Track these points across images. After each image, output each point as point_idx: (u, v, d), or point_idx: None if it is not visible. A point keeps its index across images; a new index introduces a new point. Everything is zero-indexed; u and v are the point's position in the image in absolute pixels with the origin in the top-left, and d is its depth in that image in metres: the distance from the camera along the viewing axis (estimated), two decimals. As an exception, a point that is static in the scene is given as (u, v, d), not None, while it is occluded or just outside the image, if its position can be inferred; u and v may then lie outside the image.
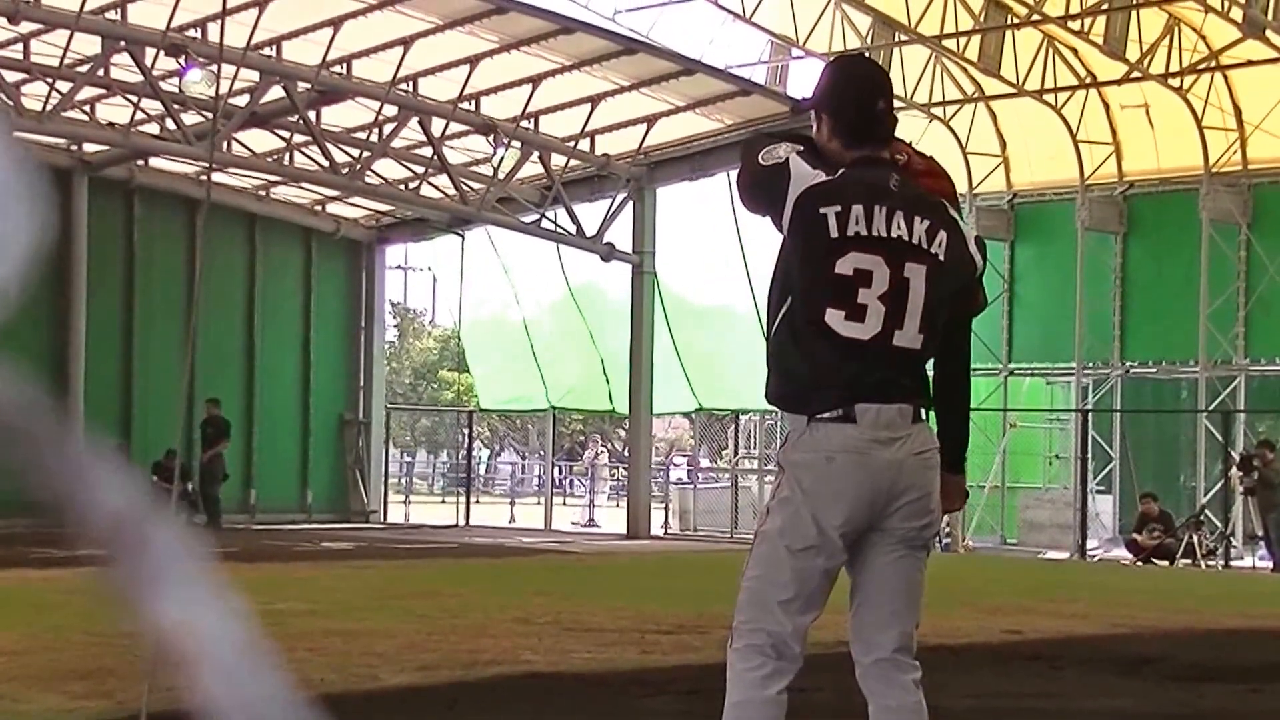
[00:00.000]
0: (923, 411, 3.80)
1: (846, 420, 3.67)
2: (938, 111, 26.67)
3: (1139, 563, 20.65)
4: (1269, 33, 21.48)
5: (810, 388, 3.76)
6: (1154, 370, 25.71)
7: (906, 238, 3.71)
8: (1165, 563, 20.37)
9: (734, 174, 25.46)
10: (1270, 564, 20.41)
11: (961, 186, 26.98)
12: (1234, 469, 21.46)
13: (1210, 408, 24.04)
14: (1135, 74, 23.71)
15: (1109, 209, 25.57)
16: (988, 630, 10.08)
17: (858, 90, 3.92)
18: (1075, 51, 24.59)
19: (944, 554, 21.88)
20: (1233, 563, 21.09)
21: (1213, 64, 23.41)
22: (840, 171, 3.76)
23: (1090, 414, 24.85)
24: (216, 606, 0.69)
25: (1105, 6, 22.68)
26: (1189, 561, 20.43)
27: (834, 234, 3.67)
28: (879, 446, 3.67)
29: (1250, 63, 22.85)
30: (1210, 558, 20.83)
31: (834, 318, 3.66)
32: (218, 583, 0.68)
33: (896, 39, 24.69)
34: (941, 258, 3.74)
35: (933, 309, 3.73)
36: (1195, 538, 20.71)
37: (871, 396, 3.69)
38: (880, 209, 3.69)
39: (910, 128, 27.35)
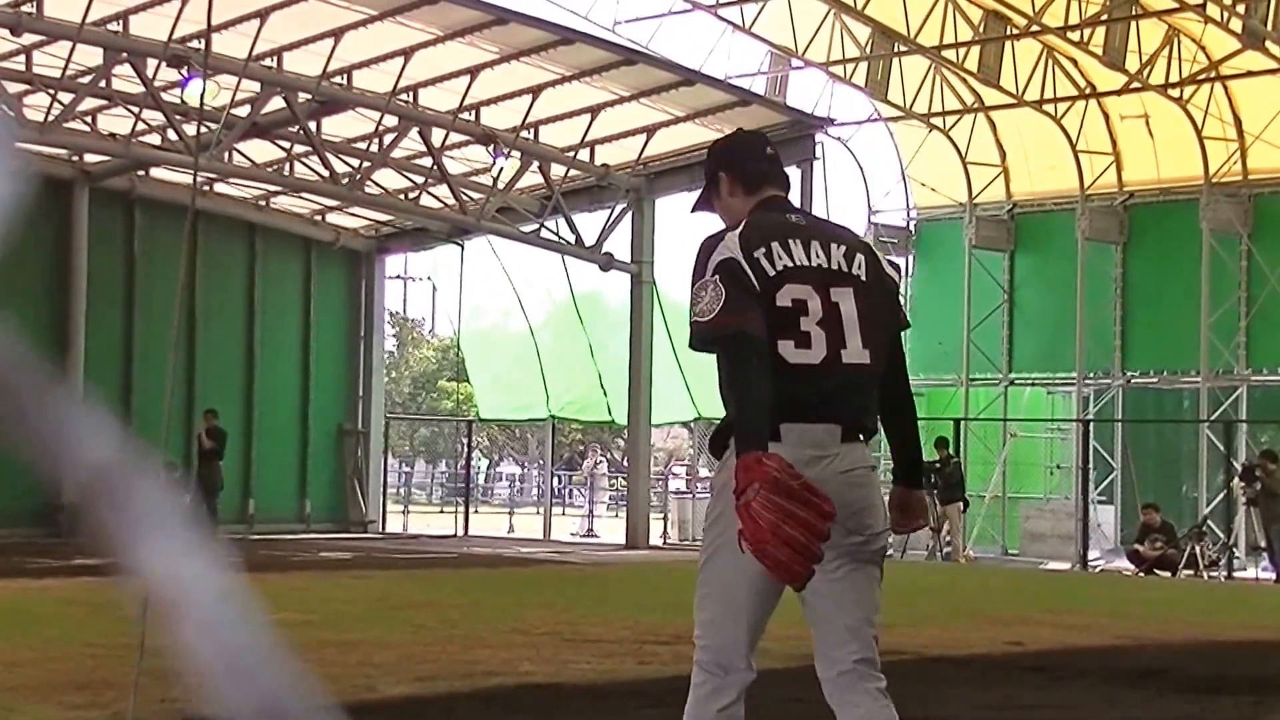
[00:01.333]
0: (858, 433, 3.93)
1: (773, 439, 3.72)
2: (937, 122, 26.69)
3: (1141, 574, 20.60)
4: (1268, 43, 21.48)
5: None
6: (1155, 380, 25.69)
7: (827, 265, 3.92)
8: (1167, 574, 20.32)
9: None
10: (1274, 575, 20.36)
11: (961, 196, 26.99)
12: (1236, 479, 21.42)
13: (1212, 418, 24.01)
14: (1135, 84, 23.72)
15: (1109, 219, 25.57)
16: (990, 641, 10.04)
17: (745, 145, 4.30)
18: (1075, 62, 24.60)
19: (945, 564, 21.85)
20: (1236, 574, 21.02)
21: (1212, 74, 23.41)
22: (747, 220, 3.98)
23: (1091, 424, 24.83)
24: (198, 557, 0.66)
25: (1105, 17, 22.69)
26: (1191, 572, 20.38)
27: (770, 272, 3.85)
28: (803, 465, 3.71)
29: (1250, 73, 22.88)
30: (1213, 569, 20.79)
31: (785, 348, 3.82)
32: (199, 535, 0.65)
33: (896, 49, 24.70)
34: (864, 278, 3.95)
35: (869, 325, 3.91)
36: (1198, 548, 20.66)
37: (801, 417, 3.81)
38: (795, 242, 3.92)
39: (910, 138, 27.38)
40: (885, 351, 3.96)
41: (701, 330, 3.81)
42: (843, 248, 3.97)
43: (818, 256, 3.92)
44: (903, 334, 4.23)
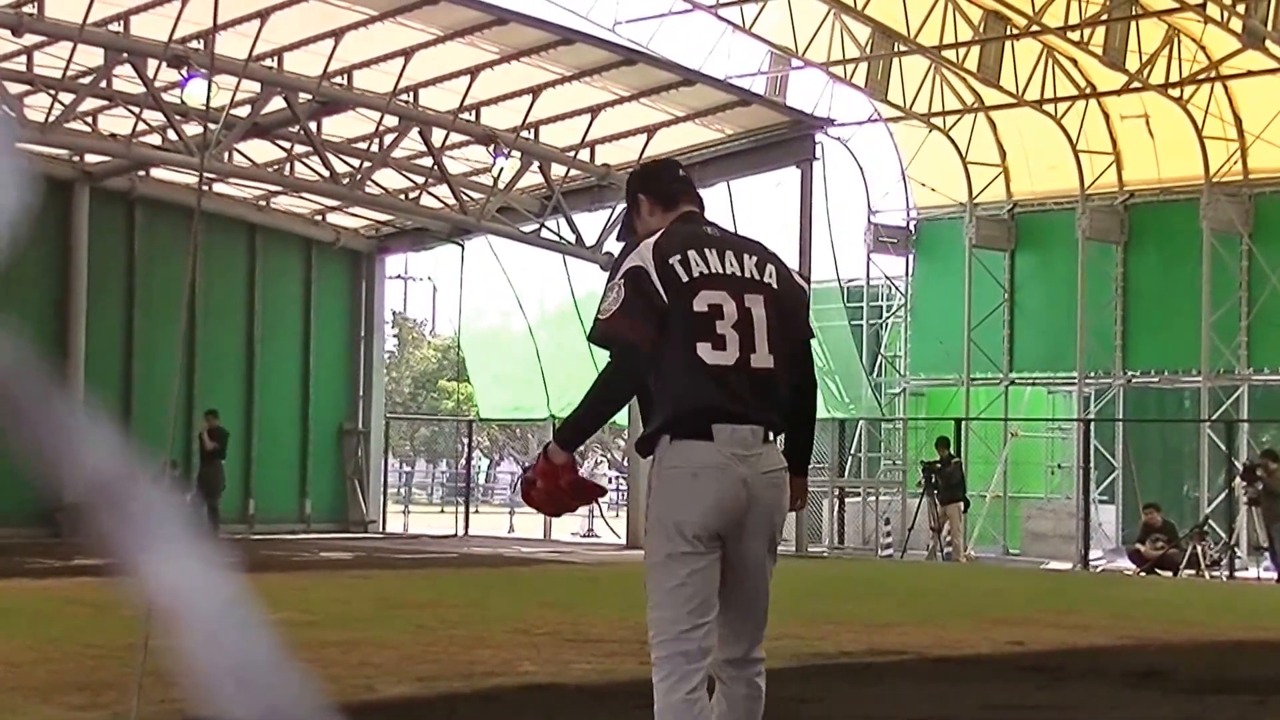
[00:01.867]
0: (771, 434, 4.21)
1: (705, 438, 4.06)
2: (937, 122, 26.68)
3: (1142, 573, 20.59)
4: (1268, 43, 21.47)
5: (678, 414, 4.11)
6: (1156, 380, 25.69)
7: (740, 273, 4.19)
8: (1169, 573, 20.30)
9: (734, 184, 25.24)
10: (1275, 575, 20.35)
11: (961, 196, 26.99)
12: (1237, 479, 21.40)
13: (1213, 417, 24.00)
14: (1135, 84, 23.71)
15: (1110, 219, 25.56)
16: (991, 641, 10.03)
17: (659, 168, 4.63)
18: (1075, 62, 24.59)
19: (946, 564, 21.84)
20: (1237, 574, 21.00)
21: (1213, 74, 23.40)
22: (665, 229, 4.25)
23: (1092, 423, 24.81)
24: (200, 565, 0.65)
25: (1105, 17, 22.68)
26: (1193, 572, 20.36)
27: (685, 278, 4.12)
28: (735, 462, 4.08)
29: (1250, 73, 22.87)
30: (1214, 568, 20.76)
31: (703, 349, 4.09)
32: (200, 542, 0.65)
33: (896, 49, 24.69)
34: (775, 286, 4.23)
35: (777, 332, 4.19)
36: (1199, 548, 20.63)
37: (727, 417, 4.09)
38: (710, 251, 4.19)
39: (910, 138, 27.38)
40: (788, 357, 4.23)
41: (597, 327, 4.14)
42: (754, 258, 4.25)
43: (731, 265, 4.18)
44: (809, 342, 4.52)
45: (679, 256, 4.13)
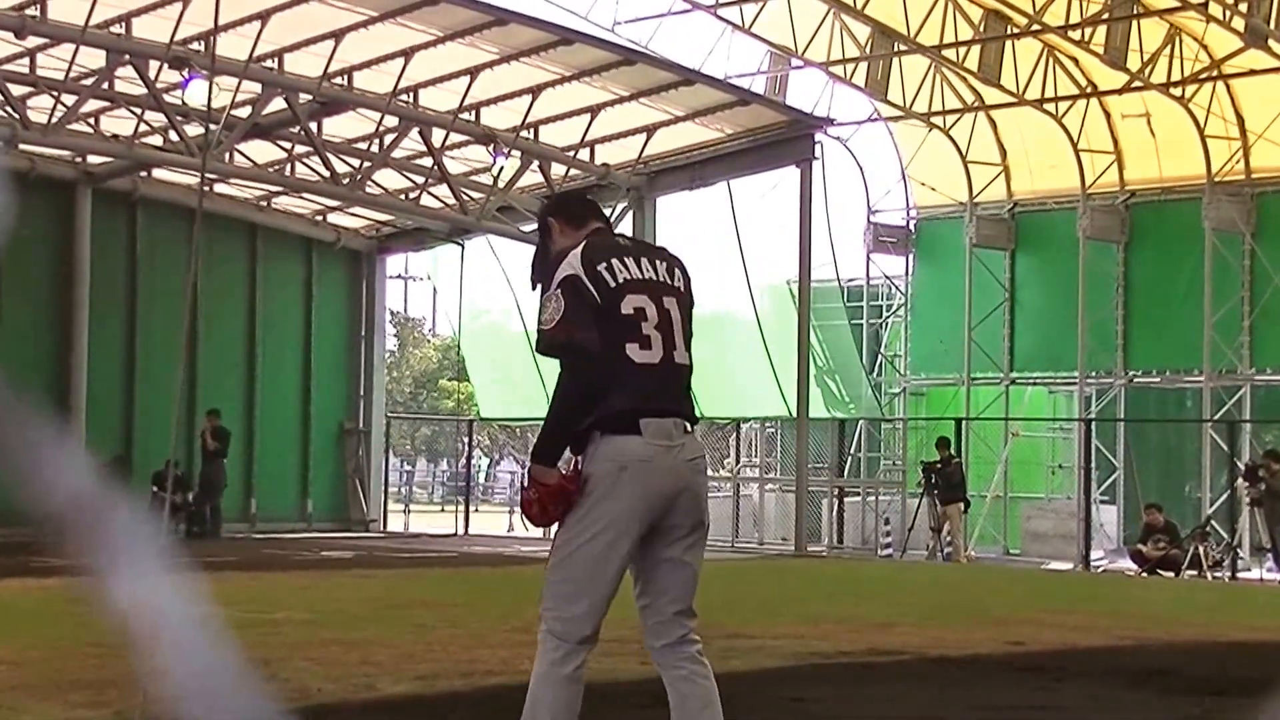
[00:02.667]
0: (691, 424, 4.50)
1: (634, 433, 4.32)
2: (937, 121, 26.70)
3: (1144, 574, 20.58)
4: (1271, 42, 21.48)
5: (608, 411, 4.35)
6: (1158, 380, 25.69)
7: (656, 277, 4.48)
8: (1171, 574, 20.28)
9: (733, 183, 25.23)
10: (1278, 576, 20.34)
11: (962, 195, 27.02)
12: (1240, 479, 21.39)
13: (1215, 418, 23.99)
14: (1136, 83, 23.71)
15: (1111, 218, 25.57)
16: (991, 642, 10.05)
17: (564, 197, 5.37)
18: (1076, 61, 24.60)
19: (946, 564, 21.86)
20: (1240, 574, 20.98)
21: (1215, 73, 23.40)
22: (586, 240, 4.52)
23: (1093, 423, 24.81)
24: (170, 583, 0.68)
25: (1106, 16, 22.68)
26: (1195, 573, 20.33)
27: (612, 283, 4.38)
28: (662, 452, 4.35)
29: (1252, 72, 22.87)
30: (1217, 569, 20.74)
31: (631, 349, 4.36)
32: (171, 562, 0.68)
33: (896, 49, 24.71)
34: (683, 289, 4.56)
35: (688, 331, 4.53)
36: (1201, 549, 20.60)
37: (654, 412, 4.36)
38: (628, 258, 4.47)
39: (910, 137, 27.40)
40: (692, 354, 4.56)
41: (544, 337, 4.38)
42: (664, 263, 4.55)
43: (648, 270, 4.48)
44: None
45: (605, 264, 4.40)
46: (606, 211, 23.51)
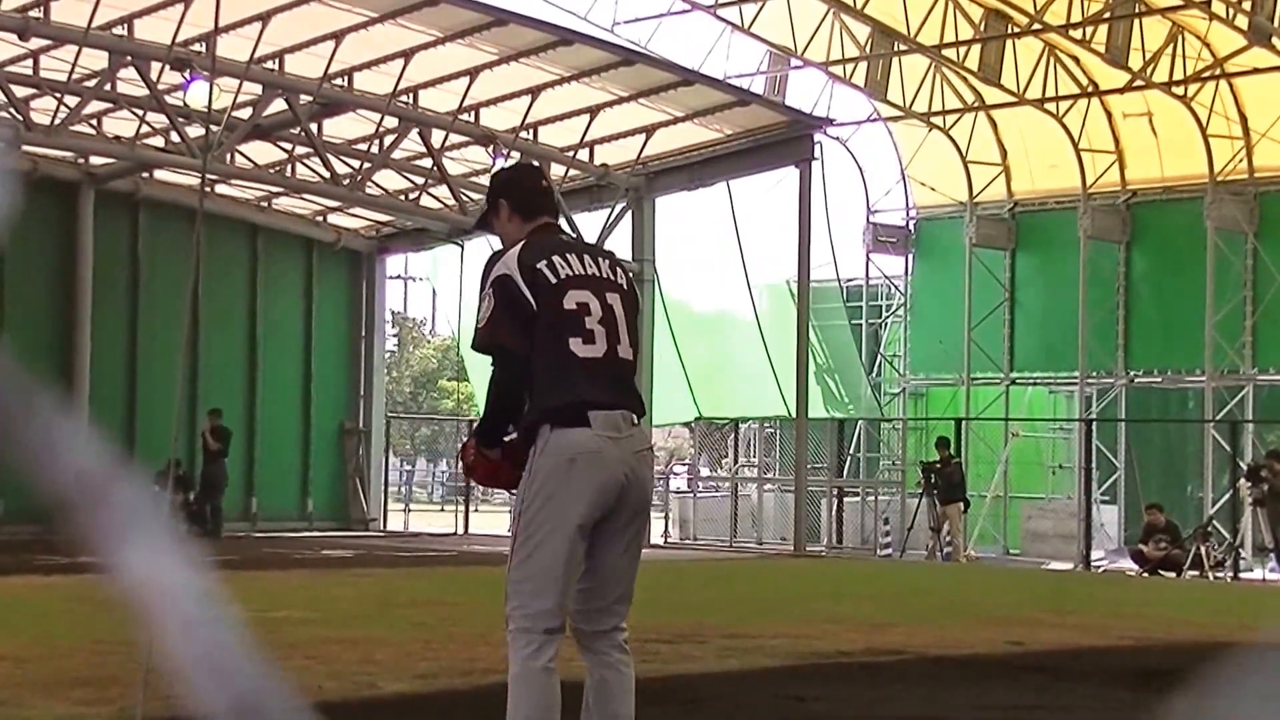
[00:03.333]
0: (639, 417, 4.58)
1: (582, 425, 4.41)
2: (937, 121, 26.71)
3: (1145, 574, 20.59)
4: (1274, 40, 21.49)
5: (555, 404, 4.44)
6: (1159, 380, 25.68)
7: (598, 274, 4.57)
8: (1172, 574, 20.29)
9: (733, 184, 25.23)
10: None
11: (962, 195, 27.03)
12: (1242, 479, 21.38)
13: (1217, 418, 23.98)
14: (1138, 83, 23.71)
15: (1112, 217, 25.57)
16: (990, 642, 10.07)
17: (524, 178, 4.99)
18: (1077, 60, 24.61)
19: (946, 564, 21.88)
20: (1242, 574, 20.97)
21: (1217, 72, 23.39)
22: (526, 240, 4.61)
23: (1094, 423, 24.81)
24: (175, 561, 0.72)
25: (1107, 15, 22.69)
26: (1197, 573, 20.33)
27: (553, 280, 4.47)
28: (610, 444, 4.44)
29: (1255, 70, 22.85)
30: (1219, 569, 20.73)
31: (575, 344, 4.45)
32: (175, 540, 0.72)
33: (896, 48, 24.72)
34: (625, 286, 4.63)
35: (631, 326, 4.60)
36: (1203, 549, 20.59)
37: (601, 405, 4.45)
38: (571, 255, 4.56)
39: (910, 137, 27.42)
40: (636, 349, 4.65)
41: (477, 336, 4.52)
42: (606, 261, 4.65)
43: (590, 267, 4.56)
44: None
45: (545, 261, 4.49)
46: (604, 213, 23.52)
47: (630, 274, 4.75)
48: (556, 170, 22.59)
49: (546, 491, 4.44)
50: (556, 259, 4.51)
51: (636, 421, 4.58)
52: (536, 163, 22.07)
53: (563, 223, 5.07)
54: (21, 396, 0.69)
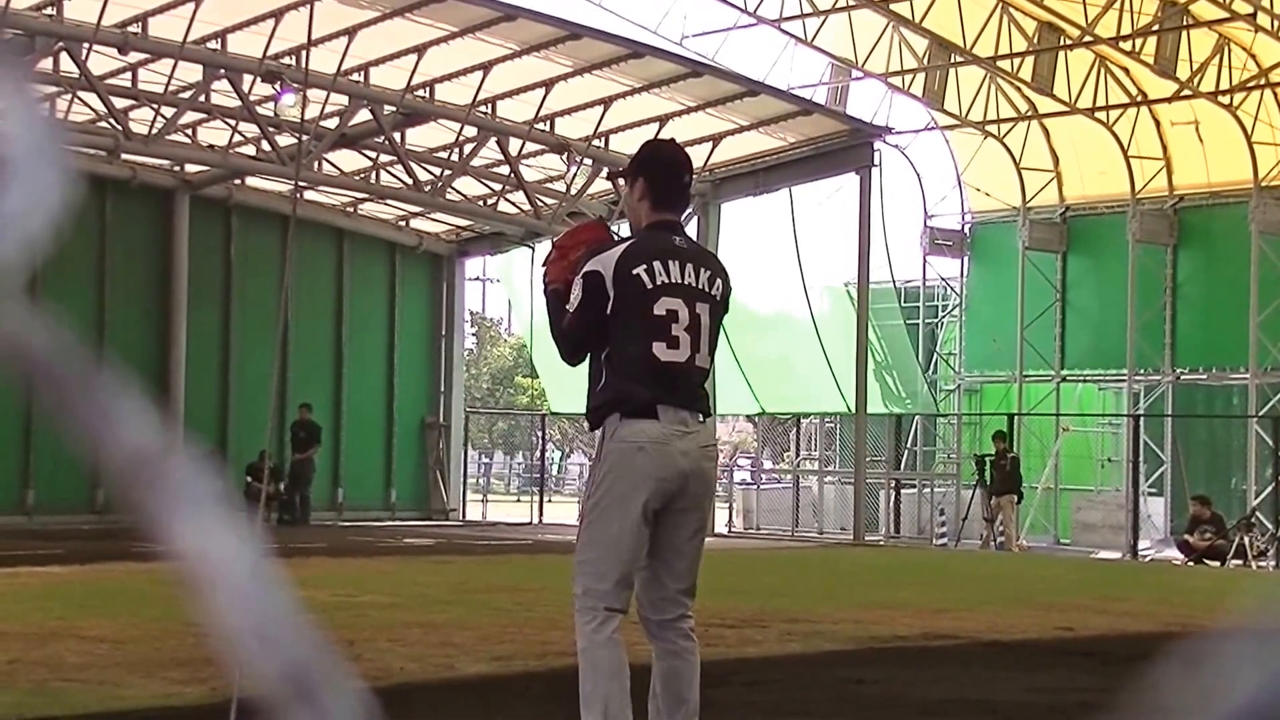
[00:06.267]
0: (702, 416, 4.58)
1: (651, 417, 4.44)
2: (992, 129, 26.49)
3: (1190, 563, 20.35)
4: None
5: (628, 396, 4.49)
6: (1204, 377, 25.37)
7: (695, 284, 4.57)
8: (1216, 563, 20.05)
9: (795, 190, 25.10)
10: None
11: (1015, 200, 26.78)
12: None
13: (1261, 413, 23.68)
14: (1186, 92, 23.42)
15: (1160, 221, 25.27)
16: (1041, 627, 9.98)
17: (670, 167, 4.77)
18: (1127, 71, 24.33)
19: (999, 553, 21.69)
20: (1283, 564, 20.70)
21: (1262, 81, 23.09)
22: (635, 237, 4.62)
23: (1142, 419, 24.54)
24: (229, 534, 0.70)
25: (1156, 27, 22.43)
26: (1240, 563, 20.09)
27: (649, 285, 4.49)
28: (676, 438, 4.45)
29: (1299, 79, 22.52)
30: (1261, 559, 20.48)
31: (659, 348, 4.48)
32: (231, 513, 0.69)
33: (952, 60, 24.54)
34: (718, 298, 4.65)
35: (714, 337, 4.66)
36: (1246, 539, 20.36)
37: (670, 402, 4.47)
38: (674, 263, 4.55)
39: (965, 145, 27.20)
40: (714, 357, 4.70)
41: (563, 319, 4.58)
42: (708, 272, 4.63)
43: (689, 276, 4.56)
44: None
45: (644, 266, 4.50)
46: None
47: (729, 284, 4.75)
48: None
49: (613, 477, 4.46)
50: (658, 264, 4.52)
51: (703, 420, 4.59)
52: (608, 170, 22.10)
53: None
54: (78, 370, 0.67)
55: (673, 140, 5.86)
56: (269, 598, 0.71)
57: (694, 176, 4.93)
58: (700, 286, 4.58)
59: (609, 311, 4.49)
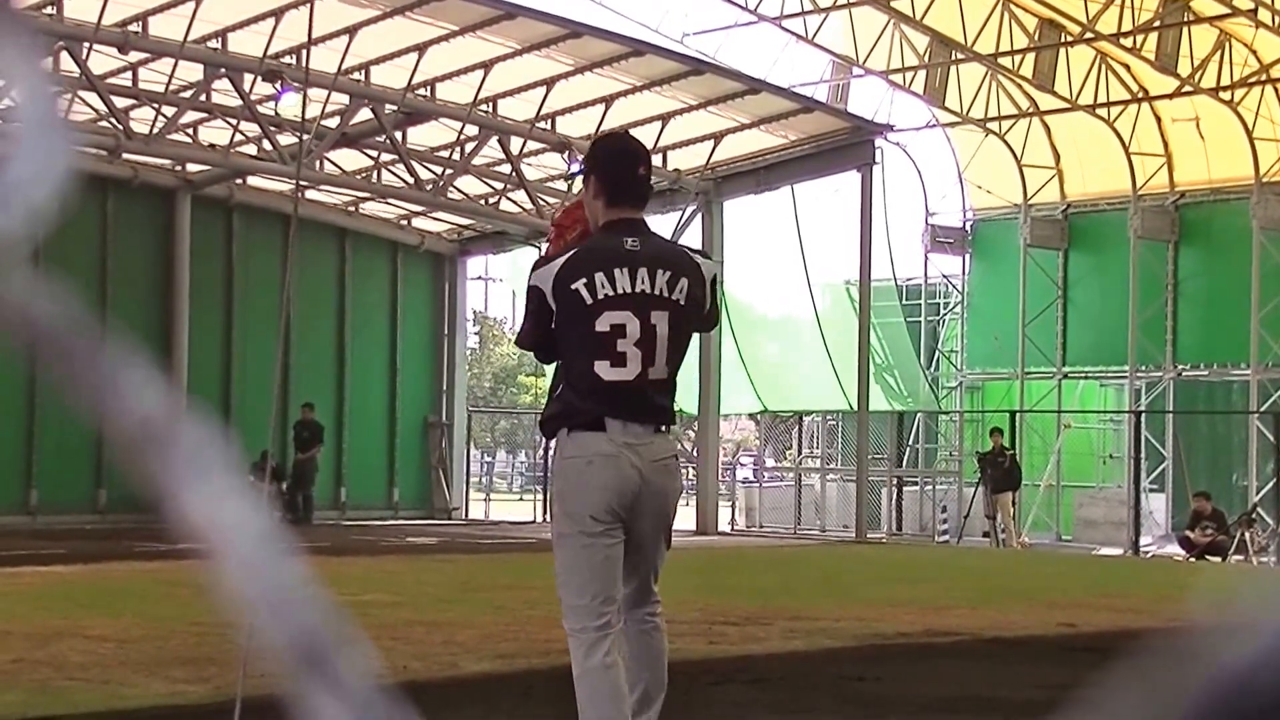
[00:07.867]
0: (663, 426, 4.37)
1: (599, 429, 4.24)
2: (993, 126, 26.48)
3: (1192, 559, 20.35)
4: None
5: (575, 410, 4.31)
6: (1206, 373, 25.36)
7: (650, 290, 4.26)
8: (1218, 559, 20.05)
9: (796, 187, 25.07)
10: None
11: (1016, 197, 26.78)
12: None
13: (1262, 409, 23.68)
14: (1187, 88, 23.41)
15: (1161, 218, 25.27)
16: (1044, 624, 9.98)
17: (622, 161, 4.57)
18: (1128, 67, 24.32)
19: (1000, 550, 21.70)
20: (1284, 559, 20.71)
21: (1263, 78, 23.08)
22: (585, 242, 4.35)
23: (1143, 415, 24.54)
24: (238, 501, 0.70)
25: (1157, 24, 22.42)
26: (1241, 558, 20.10)
27: (588, 300, 4.23)
28: (627, 450, 4.25)
29: (1300, 75, 22.50)
30: (1262, 554, 20.49)
31: (601, 367, 4.23)
32: (241, 483, 0.69)
33: (953, 57, 24.54)
34: (682, 302, 4.30)
35: (677, 345, 4.32)
36: (1247, 535, 20.37)
37: (619, 415, 4.26)
38: (622, 271, 4.25)
39: (967, 142, 27.19)
40: (678, 366, 4.38)
41: (519, 338, 4.55)
42: (667, 274, 4.30)
43: (642, 283, 4.27)
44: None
45: (585, 280, 4.24)
46: (675, 216, 23.42)
47: (703, 281, 4.43)
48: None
49: (565, 495, 4.35)
50: (600, 276, 4.25)
51: (661, 431, 4.38)
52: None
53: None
54: (84, 340, 0.67)
55: (625, 132, 5.83)
56: (279, 565, 0.71)
57: (652, 169, 4.70)
58: (658, 292, 4.28)
59: (553, 325, 4.32)
